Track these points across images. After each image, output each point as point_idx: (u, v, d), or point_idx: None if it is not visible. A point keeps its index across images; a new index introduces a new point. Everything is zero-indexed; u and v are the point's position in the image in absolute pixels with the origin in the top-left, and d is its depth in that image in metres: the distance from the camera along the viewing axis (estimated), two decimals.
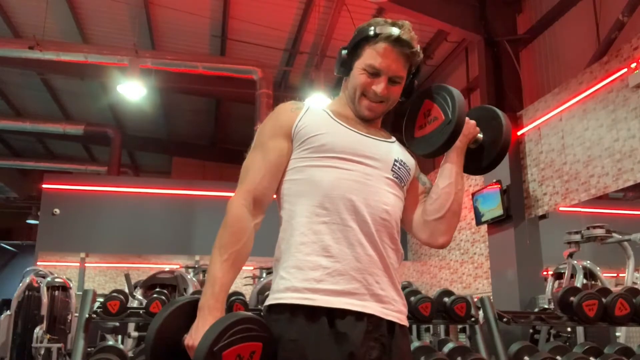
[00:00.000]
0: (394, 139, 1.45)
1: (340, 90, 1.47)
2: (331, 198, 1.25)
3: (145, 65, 7.80)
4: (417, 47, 1.35)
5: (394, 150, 1.39)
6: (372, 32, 1.32)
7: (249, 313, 1.22)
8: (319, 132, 1.31)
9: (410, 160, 1.42)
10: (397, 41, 1.31)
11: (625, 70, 4.95)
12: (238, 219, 1.25)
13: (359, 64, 1.35)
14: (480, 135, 1.43)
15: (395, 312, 1.28)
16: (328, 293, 1.20)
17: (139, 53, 7.62)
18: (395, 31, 1.31)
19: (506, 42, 6.76)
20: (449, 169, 1.41)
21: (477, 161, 1.45)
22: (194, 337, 1.13)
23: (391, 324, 1.27)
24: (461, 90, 8.38)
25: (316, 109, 1.38)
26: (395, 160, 1.36)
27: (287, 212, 1.31)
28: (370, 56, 1.33)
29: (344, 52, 1.38)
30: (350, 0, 6.92)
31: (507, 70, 6.74)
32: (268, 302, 1.26)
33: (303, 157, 1.32)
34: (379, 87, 1.32)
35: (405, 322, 1.31)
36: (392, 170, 1.34)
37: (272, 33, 8.08)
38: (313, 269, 1.21)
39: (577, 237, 4.74)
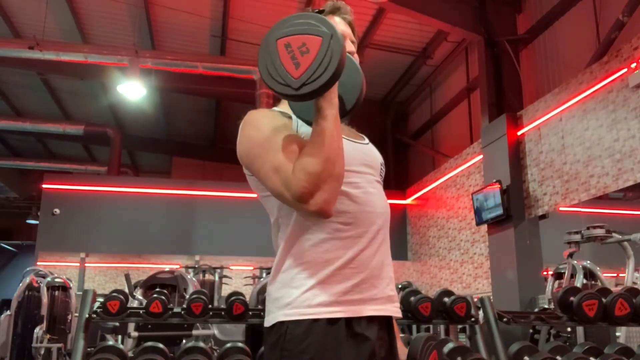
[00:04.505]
0: (366, 138, 1.44)
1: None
2: (351, 213, 1.25)
3: (145, 65, 7.80)
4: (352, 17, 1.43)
5: (376, 152, 1.41)
6: (317, 11, 1.34)
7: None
8: None
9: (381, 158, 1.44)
10: (337, 9, 1.41)
11: (625, 70, 4.95)
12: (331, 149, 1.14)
13: None
14: None
15: (398, 307, 1.34)
16: (354, 303, 1.22)
17: (139, 53, 7.63)
18: (334, 4, 1.41)
19: (506, 42, 6.77)
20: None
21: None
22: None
23: (388, 318, 1.31)
24: (461, 90, 8.39)
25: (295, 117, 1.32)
26: (381, 164, 1.39)
27: (300, 223, 1.25)
28: None
29: None
30: (350, 1, 6.91)
31: (507, 70, 6.75)
32: (287, 317, 1.20)
33: None
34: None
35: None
36: (380, 175, 1.37)
37: None
38: (340, 282, 1.22)
39: (577, 237, 4.73)
